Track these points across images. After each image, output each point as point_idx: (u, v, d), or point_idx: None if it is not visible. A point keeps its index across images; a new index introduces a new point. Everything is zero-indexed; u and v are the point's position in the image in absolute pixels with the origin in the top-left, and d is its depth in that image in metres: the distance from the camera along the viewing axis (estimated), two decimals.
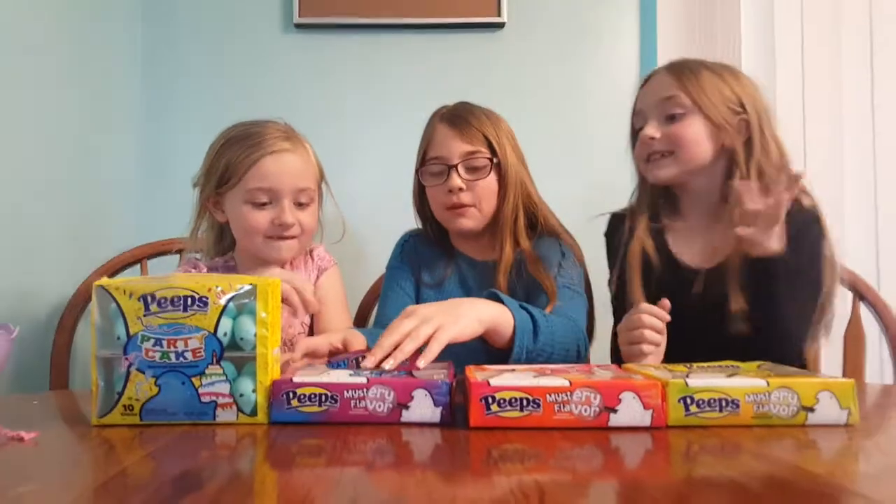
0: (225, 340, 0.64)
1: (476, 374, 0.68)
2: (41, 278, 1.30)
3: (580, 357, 0.93)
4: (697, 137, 1.03)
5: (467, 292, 1.15)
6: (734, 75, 1.06)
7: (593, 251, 1.19)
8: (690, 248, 1.07)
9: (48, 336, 1.28)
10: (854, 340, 1.19)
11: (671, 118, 1.04)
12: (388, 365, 0.72)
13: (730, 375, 0.66)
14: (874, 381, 1.25)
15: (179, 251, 1.38)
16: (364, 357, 0.74)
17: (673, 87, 1.04)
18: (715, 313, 0.95)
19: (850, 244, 1.51)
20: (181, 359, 0.64)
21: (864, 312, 1.21)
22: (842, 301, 1.34)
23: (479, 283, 1.14)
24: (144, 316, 0.65)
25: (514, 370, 0.71)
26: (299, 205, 1.09)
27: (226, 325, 0.64)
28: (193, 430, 0.64)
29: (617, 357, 1.03)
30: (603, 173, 1.57)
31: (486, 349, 0.86)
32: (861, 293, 1.19)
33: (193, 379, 0.64)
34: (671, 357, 0.93)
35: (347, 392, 0.65)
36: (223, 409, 0.64)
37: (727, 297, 0.95)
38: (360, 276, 1.42)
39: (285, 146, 1.07)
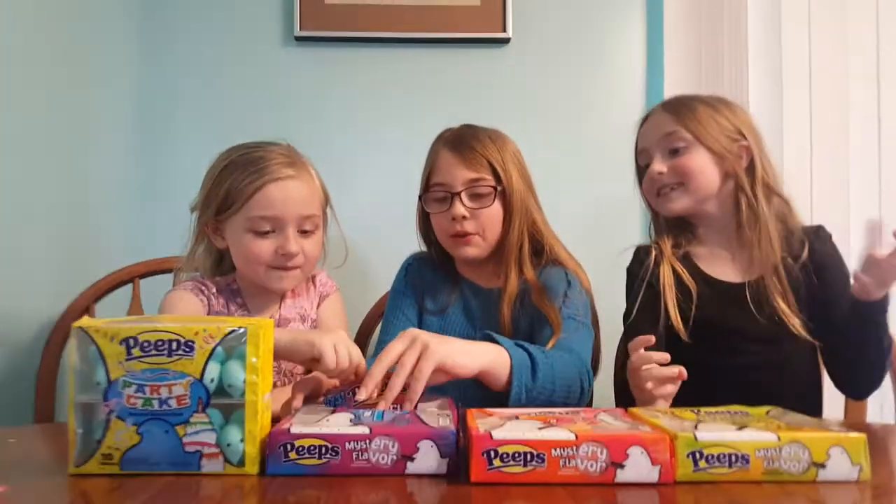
0: (212, 387, 0.61)
1: (478, 422, 0.65)
2: (27, 299, 1.25)
3: (584, 392, 0.90)
4: (703, 167, 1.07)
5: (471, 320, 1.12)
6: (728, 106, 1.12)
7: (599, 275, 1.17)
8: (718, 268, 1.10)
9: (34, 358, 1.24)
10: None
11: (675, 152, 1.09)
12: (381, 406, 0.71)
13: (739, 427, 0.64)
14: (875, 405, 1.24)
15: (173, 270, 1.33)
16: (357, 389, 0.73)
17: (672, 123, 1.09)
18: (767, 321, 1.02)
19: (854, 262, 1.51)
20: (165, 406, 0.61)
21: None
22: None
23: (484, 312, 1.11)
24: (126, 360, 0.61)
25: (517, 417, 0.68)
26: (303, 232, 1.05)
27: (213, 370, 0.61)
28: (177, 481, 0.60)
29: (621, 392, 1.02)
30: (609, 190, 1.55)
31: (486, 395, 0.83)
32: None
33: (177, 427, 0.61)
34: (723, 371, 1.01)
35: (349, 443, 0.62)
36: (209, 460, 0.61)
37: (773, 308, 1.03)
38: (361, 298, 1.38)
39: (289, 172, 1.03)
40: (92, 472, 0.61)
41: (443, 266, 1.17)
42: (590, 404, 0.96)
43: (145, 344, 0.61)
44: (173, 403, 0.61)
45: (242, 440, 0.61)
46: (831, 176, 1.59)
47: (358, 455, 0.62)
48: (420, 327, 1.13)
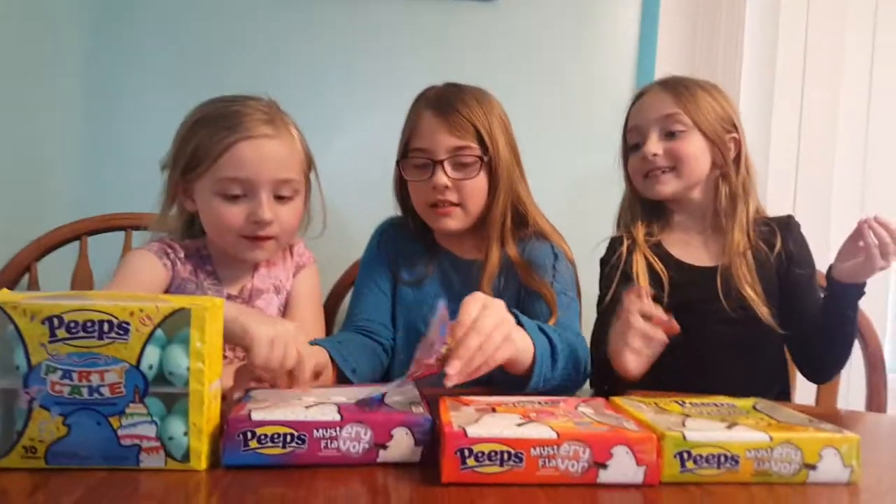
0: (150, 374, 0.54)
1: (452, 415, 0.59)
2: None
3: (585, 373, 0.87)
4: (698, 153, 1.07)
5: (449, 293, 1.05)
6: (722, 95, 1.12)
7: (581, 246, 1.12)
8: (690, 254, 1.10)
9: None
10: None
11: (671, 135, 1.07)
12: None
13: (729, 425, 0.60)
14: (845, 392, 1.23)
15: (126, 228, 1.23)
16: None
17: (672, 104, 1.07)
18: (734, 308, 1.02)
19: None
20: (96, 395, 0.53)
21: None
22: None
23: (463, 284, 1.04)
24: (50, 342, 0.53)
25: (494, 409, 0.62)
26: (280, 198, 0.94)
27: (152, 356, 0.53)
28: (111, 477, 0.53)
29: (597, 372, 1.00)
30: (597, 155, 1.47)
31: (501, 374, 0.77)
32: None
33: (111, 419, 0.54)
34: (693, 353, 0.98)
35: (317, 431, 0.56)
36: (148, 454, 0.54)
37: (741, 295, 1.03)
38: (335, 266, 1.29)
39: (266, 130, 0.92)
40: (13, 466, 0.54)
41: (420, 234, 1.09)
42: None
43: (72, 324, 0.53)
44: (106, 392, 0.53)
45: (186, 433, 0.54)
46: (818, 168, 1.57)
47: (327, 443, 0.57)
48: (394, 299, 1.07)
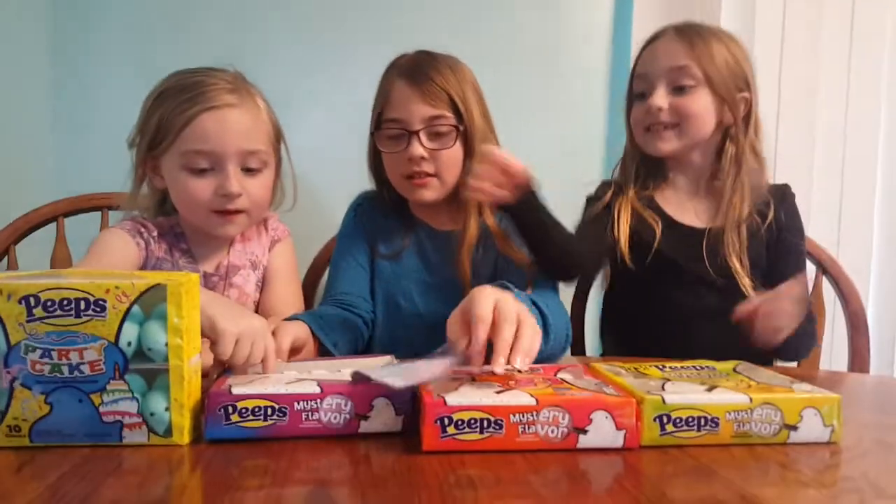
0: (129, 351, 0.54)
1: (432, 385, 0.60)
2: None
3: (567, 341, 0.88)
4: (704, 112, 1.02)
5: (427, 265, 1.05)
6: (740, 48, 1.05)
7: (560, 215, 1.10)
8: (683, 212, 1.08)
9: None
10: (815, 313, 1.16)
11: (679, 89, 1.02)
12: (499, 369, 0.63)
13: (709, 388, 0.60)
14: (828, 355, 1.25)
15: (102, 208, 1.22)
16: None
17: (684, 55, 1.02)
18: (718, 274, 1.01)
19: (814, 215, 1.49)
20: (76, 373, 0.53)
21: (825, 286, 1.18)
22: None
23: (441, 256, 1.04)
24: (28, 322, 0.53)
25: (474, 379, 0.63)
26: (248, 171, 0.93)
27: (130, 332, 0.53)
28: (95, 453, 0.54)
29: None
30: (571, 123, 1.46)
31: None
32: (824, 266, 1.16)
33: (92, 396, 0.54)
34: (673, 316, 1.02)
35: (298, 403, 0.57)
36: (131, 430, 0.55)
37: (727, 264, 1.01)
38: (313, 241, 1.27)
39: (229, 100, 0.90)
40: None
41: (395, 207, 1.08)
42: None
43: (48, 303, 0.53)
44: (86, 370, 0.53)
45: (168, 409, 0.54)
46: (796, 130, 1.55)
47: (308, 415, 0.57)
48: (372, 273, 1.07)
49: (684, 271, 1.03)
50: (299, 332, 0.81)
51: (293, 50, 1.45)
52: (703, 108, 1.02)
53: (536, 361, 0.76)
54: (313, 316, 0.90)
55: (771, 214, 1.04)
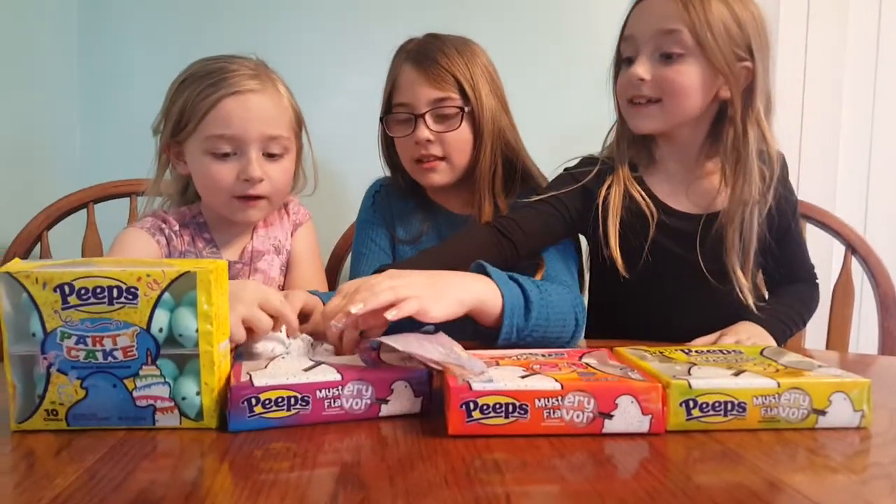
0: (161, 337, 0.55)
1: (457, 371, 0.60)
2: None
3: (577, 325, 0.84)
4: (692, 86, 0.88)
5: None
6: (744, 5, 0.89)
7: None
8: (675, 196, 0.97)
9: None
10: (843, 294, 1.15)
11: (667, 57, 0.88)
12: (354, 309, 0.65)
13: (736, 372, 0.60)
14: (855, 336, 1.23)
15: (130, 194, 1.24)
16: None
17: (676, 18, 0.87)
18: (717, 260, 0.92)
19: (841, 196, 1.46)
20: (110, 358, 0.55)
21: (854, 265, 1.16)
22: (834, 255, 1.31)
23: None
24: (63, 309, 0.54)
25: (497, 363, 0.63)
26: (270, 156, 0.93)
27: (161, 319, 0.55)
28: (131, 437, 0.55)
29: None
30: (593, 102, 1.43)
31: (474, 326, 0.77)
32: (853, 246, 1.14)
33: (126, 381, 0.55)
34: (673, 304, 0.93)
35: (320, 392, 0.58)
36: (163, 414, 0.56)
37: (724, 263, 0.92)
38: (332, 225, 1.29)
39: (252, 85, 0.91)
40: (37, 428, 0.56)
41: (412, 192, 1.09)
42: None
43: (82, 291, 0.54)
44: (119, 355, 0.55)
45: (199, 393, 0.56)
46: (822, 112, 1.51)
47: (330, 402, 0.58)
48: (394, 257, 1.07)
49: (675, 262, 0.95)
50: (307, 299, 0.81)
51: (314, 36, 1.46)
52: (691, 80, 0.88)
53: (529, 343, 0.77)
54: (327, 294, 0.90)
55: (771, 197, 0.93)
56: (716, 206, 0.94)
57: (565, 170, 1.02)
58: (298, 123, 0.99)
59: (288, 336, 0.69)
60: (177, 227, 0.98)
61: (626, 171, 0.96)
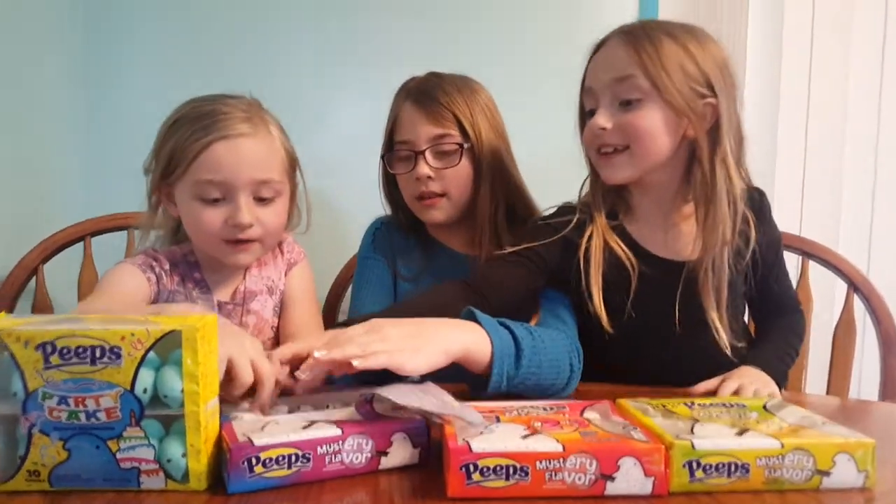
0: (145, 398, 0.53)
1: (456, 427, 0.58)
2: None
3: (573, 370, 0.82)
4: (656, 129, 0.86)
5: None
6: (700, 44, 0.87)
7: None
8: (656, 243, 0.93)
9: None
10: (845, 332, 1.14)
11: (626, 104, 0.86)
12: (318, 353, 0.66)
13: (740, 431, 0.58)
14: (857, 373, 1.21)
15: (128, 227, 1.22)
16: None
17: (629, 63, 0.85)
18: (700, 307, 0.89)
19: (844, 232, 1.45)
20: (93, 419, 0.53)
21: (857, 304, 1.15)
22: (836, 292, 1.30)
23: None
24: (45, 369, 0.52)
25: (498, 419, 0.61)
26: (260, 200, 0.91)
27: (146, 379, 0.53)
28: (121, 499, 0.53)
29: None
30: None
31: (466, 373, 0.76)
32: (856, 284, 1.13)
33: (109, 442, 0.53)
34: (661, 350, 0.90)
35: (321, 448, 0.56)
36: (148, 476, 0.54)
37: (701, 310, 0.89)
38: (331, 259, 1.27)
39: (243, 129, 0.88)
40: (19, 489, 0.54)
41: (413, 230, 1.08)
42: None
43: (64, 350, 0.52)
44: (102, 416, 0.53)
45: (185, 455, 0.54)
46: (825, 147, 1.51)
47: (331, 458, 0.57)
48: (395, 293, 1.05)
49: (660, 314, 0.90)
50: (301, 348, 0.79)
51: (313, 69, 1.45)
52: (654, 124, 0.85)
53: (522, 391, 0.76)
54: None
55: (753, 237, 0.90)
56: (696, 252, 0.89)
57: (541, 219, 0.99)
58: (292, 164, 0.97)
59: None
60: (167, 266, 0.95)
61: (604, 222, 0.93)
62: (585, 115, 0.94)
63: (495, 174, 1.00)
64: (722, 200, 0.86)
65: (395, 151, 1.01)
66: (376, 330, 0.70)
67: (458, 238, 1.05)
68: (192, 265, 0.97)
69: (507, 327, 0.77)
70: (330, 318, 1.20)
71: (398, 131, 1.00)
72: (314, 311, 1.04)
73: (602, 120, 0.87)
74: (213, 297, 0.96)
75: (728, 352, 0.88)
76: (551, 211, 1.00)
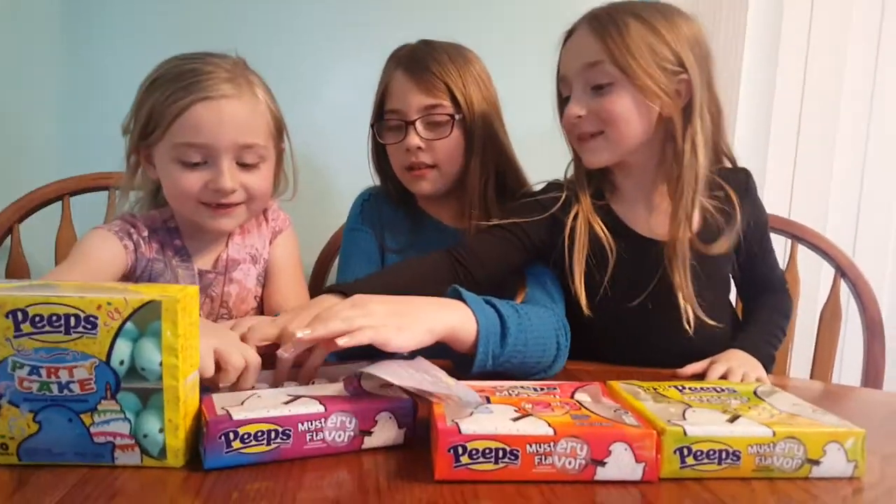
0: (122, 370, 0.50)
1: (445, 408, 0.57)
2: None
3: (559, 348, 0.81)
4: (628, 112, 0.86)
5: None
6: (669, 22, 0.86)
7: None
8: (638, 221, 0.94)
9: None
10: (831, 317, 1.14)
11: (598, 88, 0.87)
12: (301, 333, 0.64)
13: (731, 418, 0.58)
14: (839, 358, 1.22)
15: (109, 188, 1.16)
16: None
17: (596, 50, 0.85)
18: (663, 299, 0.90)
19: (832, 219, 1.45)
20: (66, 391, 0.50)
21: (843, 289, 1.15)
22: (822, 276, 1.31)
23: None
24: (15, 337, 0.49)
25: (489, 399, 0.60)
26: (244, 166, 0.86)
27: (122, 350, 0.50)
28: (94, 475, 0.51)
29: None
30: None
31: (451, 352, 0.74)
32: (843, 269, 1.13)
33: (83, 416, 0.51)
34: (643, 329, 0.90)
35: (302, 424, 0.54)
36: (123, 452, 0.52)
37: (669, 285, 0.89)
38: (318, 229, 1.23)
39: (225, 90, 0.83)
40: None
41: (402, 201, 1.05)
42: None
43: (37, 318, 0.49)
44: (76, 388, 0.50)
45: (162, 430, 0.51)
46: (818, 137, 1.50)
47: (312, 436, 0.55)
48: (383, 265, 1.03)
49: (644, 292, 0.90)
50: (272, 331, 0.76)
51: (302, 36, 1.39)
52: (626, 107, 0.85)
53: (508, 370, 0.75)
54: None
55: (738, 218, 0.90)
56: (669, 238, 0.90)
57: (531, 195, 0.98)
58: (278, 129, 0.92)
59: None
60: (145, 234, 0.91)
61: (588, 203, 0.93)
62: (563, 102, 0.94)
63: (486, 146, 0.97)
64: (688, 178, 0.86)
65: (385, 121, 0.98)
66: (361, 305, 0.68)
67: (447, 210, 1.03)
68: (172, 231, 0.93)
69: (493, 305, 0.76)
70: (316, 289, 1.17)
71: (388, 100, 0.97)
72: (299, 282, 1.01)
73: (576, 108, 0.88)
74: (194, 265, 0.93)
75: (690, 331, 0.88)
76: (539, 186, 1.00)
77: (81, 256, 0.85)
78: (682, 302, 0.88)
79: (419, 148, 0.95)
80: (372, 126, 1.01)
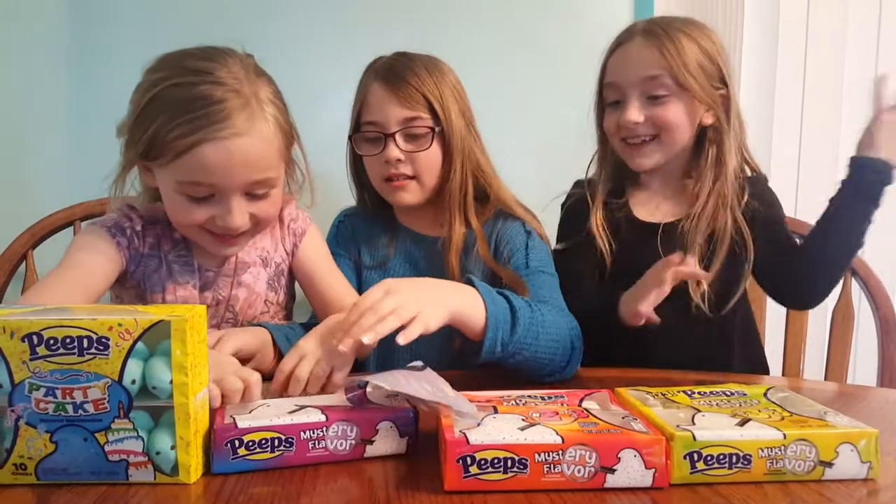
0: (133, 389, 0.51)
1: (452, 420, 0.57)
2: None
3: (574, 350, 0.82)
4: (682, 121, 0.97)
5: (416, 272, 1.02)
6: (711, 40, 0.99)
7: (552, 218, 1.10)
8: (652, 212, 1.04)
9: None
10: (843, 317, 1.13)
11: (654, 98, 0.97)
12: (367, 339, 0.67)
13: (741, 421, 0.57)
14: (853, 359, 1.21)
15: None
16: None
17: (656, 64, 0.95)
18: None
19: None
20: (80, 411, 0.51)
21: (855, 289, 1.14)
22: None
23: (429, 262, 1.02)
24: (31, 360, 0.51)
25: (496, 409, 0.60)
26: (253, 196, 0.81)
27: (134, 370, 0.51)
28: (110, 493, 0.52)
29: None
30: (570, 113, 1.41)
31: (462, 341, 0.76)
32: (853, 268, 1.12)
33: (97, 435, 0.52)
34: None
35: (305, 433, 0.56)
36: (137, 469, 0.53)
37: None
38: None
39: (237, 126, 0.74)
40: (5, 482, 0.53)
41: (379, 214, 1.06)
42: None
43: (51, 341, 0.50)
44: (90, 408, 0.51)
45: (174, 447, 0.52)
46: (821, 134, 1.49)
47: (314, 444, 0.57)
48: (360, 284, 1.04)
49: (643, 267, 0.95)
50: (245, 340, 0.79)
51: (316, 39, 1.41)
52: (680, 116, 0.97)
53: (520, 362, 0.76)
54: (281, 327, 0.87)
55: (752, 207, 0.99)
56: (677, 215, 1.01)
57: (561, 204, 1.09)
58: (289, 143, 0.85)
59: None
60: (139, 227, 0.85)
61: (601, 198, 1.04)
62: (606, 105, 1.03)
63: (465, 156, 0.98)
64: (727, 178, 0.98)
65: (363, 132, 0.98)
66: (395, 292, 0.71)
67: (424, 220, 1.04)
68: (171, 224, 0.86)
69: (505, 296, 0.78)
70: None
71: (366, 112, 0.97)
72: (341, 276, 0.98)
73: (634, 115, 0.96)
74: (195, 260, 0.88)
75: (705, 307, 0.95)
76: (563, 198, 1.11)
77: (71, 263, 0.82)
78: (695, 294, 0.95)
79: (399, 160, 0.95)
80: (350, 138, 1.02)
